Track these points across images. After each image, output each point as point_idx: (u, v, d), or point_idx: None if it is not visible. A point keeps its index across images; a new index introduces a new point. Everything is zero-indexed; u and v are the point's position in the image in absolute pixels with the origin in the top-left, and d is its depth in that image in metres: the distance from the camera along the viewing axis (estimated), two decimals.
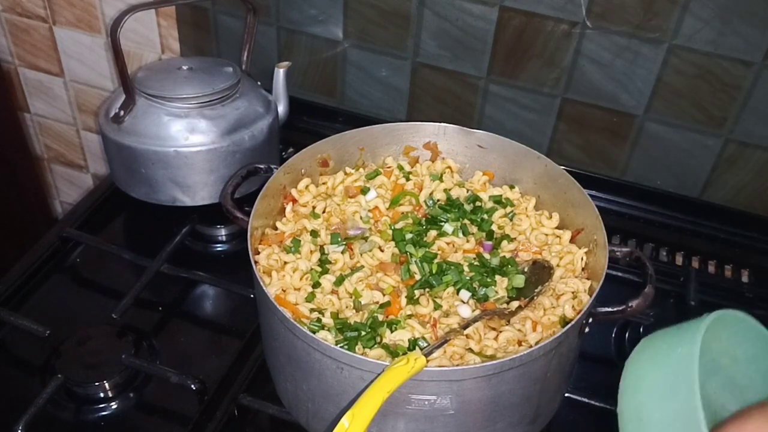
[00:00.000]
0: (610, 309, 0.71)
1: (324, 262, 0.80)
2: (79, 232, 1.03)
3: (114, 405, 0.83)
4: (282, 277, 0.77)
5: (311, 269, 0.78)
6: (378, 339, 0.71)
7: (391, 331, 0.72)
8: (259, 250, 0.80)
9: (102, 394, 0.83)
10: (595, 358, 0.92)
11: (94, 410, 0.82)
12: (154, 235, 1.03)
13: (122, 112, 0.99)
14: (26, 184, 1.63)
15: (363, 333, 0.71)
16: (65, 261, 1.01)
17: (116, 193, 1.08)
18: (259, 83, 1.09)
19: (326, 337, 0.70)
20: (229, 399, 0.82)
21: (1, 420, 0.78)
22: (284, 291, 0.76)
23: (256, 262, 0.76)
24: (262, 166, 0.84)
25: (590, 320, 0.71)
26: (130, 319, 0.90)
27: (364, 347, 0.70)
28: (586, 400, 0.84)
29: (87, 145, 1.56)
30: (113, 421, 0.82)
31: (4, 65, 1.47)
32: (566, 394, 0.82)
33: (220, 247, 1.06)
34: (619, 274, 0.96)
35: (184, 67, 1.04)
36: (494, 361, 0.64)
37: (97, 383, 0.82)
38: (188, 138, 0.98)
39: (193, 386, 0.81)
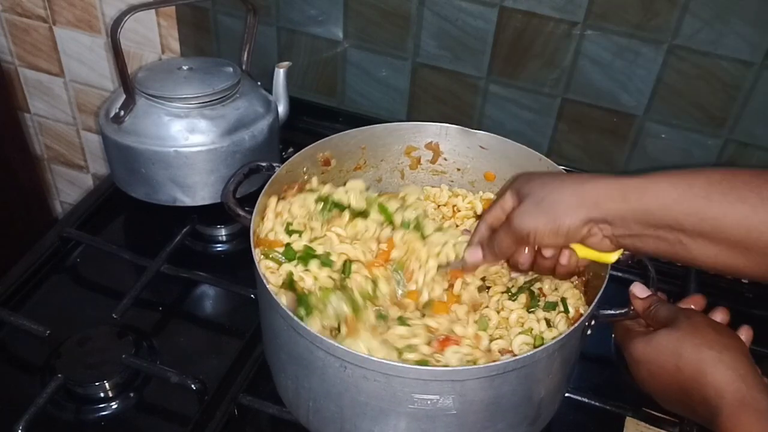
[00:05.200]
0: (612, 311, 0.72)
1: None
2: (79, 232, 1.03)
3: (114, 405, 0.83)
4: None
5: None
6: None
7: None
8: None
9: (102, 394, 0.83)
10: (595, 358, 0.92)
11: (94, 410, 0.82)
12: (154, 235, 1.03)
13: (122, 112, 0.99)
14: (26, 184, 1.63)
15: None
16: (65, 261, 1.01)
17: (116, 193, 1.08)
18: (259, 83, 1.09)
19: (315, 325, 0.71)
20: (229, 399, 0.82)
21: (1, 420, 0.78)
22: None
23: (259, 261, 0.76)
24: (264, 164, 0.84)
25: (593, 322, 0.71)
26: (130, 319, 0.90)
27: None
28: (586, 400, 0.84)
29: (87, 145, 1.56)
30: (113, 421, 0.82)
31: (4, 65, 1.47)
32: (566, 394, 0.82)
33: (220, 247, 1.06)
34: (620, 274, 0.96)
35: (184, 68, 1.04)
36: (497, 362, 0.64)
37: (97, 383, 0.82)
38: (188, 138, 0.98)
39: (193, 386, 0.81)
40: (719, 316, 0.69)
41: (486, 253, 0.71)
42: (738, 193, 0.57)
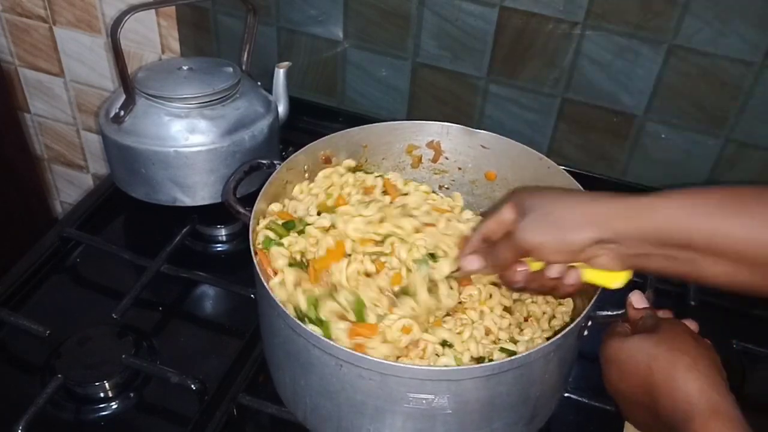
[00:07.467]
0: (609, 313, 0.71)
1: None
2: (79, 232, 1.03)
3: (114, 405, 0.83)
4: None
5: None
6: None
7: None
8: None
9: (102, 394, 0.83)
10: (594, 357, 0.91)
11: (94, 410, 0.82)
12: (154, 235, 1.03)
13: (122, 112, 0.99)
14: (26, 184, 1.63)
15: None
16: (65, 261, 1.01)
17: (116, 193, 1.08)
18: (259, 83, 1.09)
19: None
20: (229, 399, 0.82)
21: (1, 420, 0.78)
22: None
23: (255, 253, 0.75)
24: (265, 162, 0.83)
25: (589, 324, 0.71)
26: (130, 319, 0.90)
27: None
28: (585, 400, 0.84)
29: (87, 145, 1.56)
30: (113, 421, 0.82)
31: (4, 65, 1.47)
32: (565, 394, 0.82)
33: (220, 247, 1.06)
34: None
35: (184, 68, 1.04)
36: (492, 362, 0.64)
37: (97, 383, 0.82)
38: (188, 138, 0.98)
39: (193, 386, 0.81)
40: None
41: (483, 264, 0.70)
42: (749, 210, 0.57)
